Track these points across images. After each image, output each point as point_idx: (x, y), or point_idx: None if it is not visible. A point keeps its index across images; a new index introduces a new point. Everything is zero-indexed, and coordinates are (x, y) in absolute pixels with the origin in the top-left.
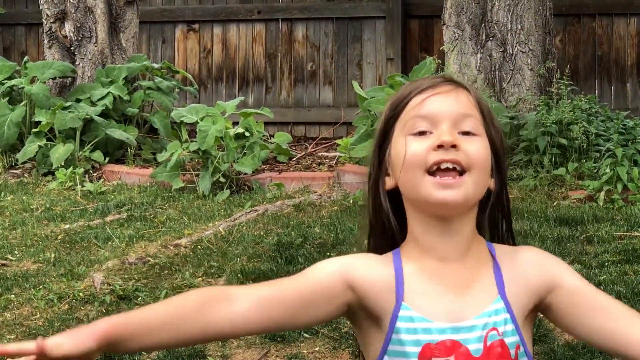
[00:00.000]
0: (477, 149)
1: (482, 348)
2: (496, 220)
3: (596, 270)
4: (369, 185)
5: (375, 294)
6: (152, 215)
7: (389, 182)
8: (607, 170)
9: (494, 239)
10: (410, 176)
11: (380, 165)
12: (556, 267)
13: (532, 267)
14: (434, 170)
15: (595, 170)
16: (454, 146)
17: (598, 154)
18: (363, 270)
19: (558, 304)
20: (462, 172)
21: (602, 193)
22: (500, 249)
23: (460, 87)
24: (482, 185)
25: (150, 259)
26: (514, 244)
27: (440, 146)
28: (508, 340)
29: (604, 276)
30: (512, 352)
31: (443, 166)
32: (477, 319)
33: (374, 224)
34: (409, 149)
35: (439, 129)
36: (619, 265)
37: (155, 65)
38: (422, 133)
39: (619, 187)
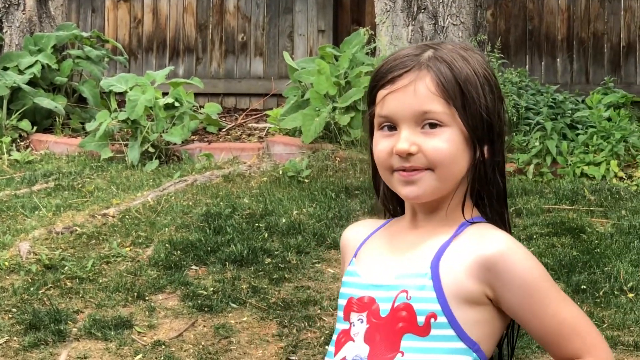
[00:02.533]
0: (437, 147)
1: (390, 309)
2: (493, 187)
3: (525, 242)
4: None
5: (346, 252)
6: (80, 185)
7: None
8: (537, 143)
9: (487, 209)
10: (382, 174)
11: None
12: (504, 279)
13: (478, 264)
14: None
15: (524, 144)
16: (410, 154)
17: (528, 128)
18: (344, 239)
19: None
20: (426, 169)
21: (532, 166)
22: (474, 227)
23: (424, 70)
24: (451, 177)
25: (77, 228)
26: (507, 217)
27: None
28: (418, 306)
29: (532, 248)
30: (421, 319)
31: (406, 170)
32: (397, 279)
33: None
34: (375, 149)
35: (400, 130)
36: (547, 237)
37: (85, 34)
38: (390, 128)
39: (548, 160)
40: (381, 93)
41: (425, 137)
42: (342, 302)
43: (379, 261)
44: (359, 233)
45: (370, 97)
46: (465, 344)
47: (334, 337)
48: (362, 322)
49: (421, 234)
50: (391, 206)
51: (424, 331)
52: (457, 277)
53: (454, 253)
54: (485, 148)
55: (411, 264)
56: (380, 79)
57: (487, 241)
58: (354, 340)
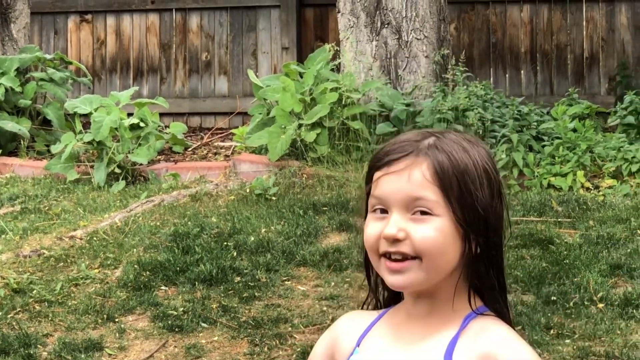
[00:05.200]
0: (425, 235)
1: None
2: (487, 283)
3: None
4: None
5: (343, 339)
6: (46, 208)
7: None
8: (503, 155)
9: (486, 300)
10: (371, 256)
11: None
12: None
13: (482, 349)
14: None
15: None
16: (397, 239)
17: (494, 140)
18: (340, 326)
19: None
20: (414, 257)
21: None
22: (480, 320)
23: (421, 157)
24: (440, 268)
25: (45, 251)
26: (507, 309)
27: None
28: None
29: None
30: None
31: (392, 256)
32: None
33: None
34: (365, 231)
35: (390, 214)
36: (516, 249)
37: (48, 57)
38: (382, 210)
39: (515, 172)
40: (377, 174)
41: (414, 224)
42: None
43: (386, 352)
44: (359, 322)
45: (368, 176)
46: None
47: None
48: None
49: (427, 326)
50: (383, 294)
51: None
52: None
53: (463, 350)
54: (480, 242)
55: (424, 356)
56: (378, 161)
57: (491, 339)
58: None
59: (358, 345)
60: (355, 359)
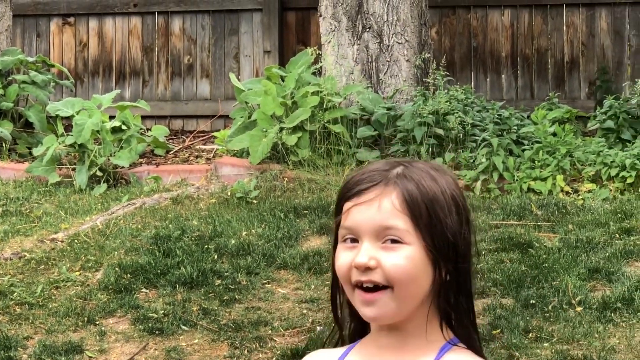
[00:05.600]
0: (396, 263)
1: None
2: (457, 309)
3: (473, 259)
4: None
5: None
6: (28, 210)
7: None
8: (483, 159)
9: (455, 327)
10: (345, 287)
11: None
12: None
13: None
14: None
15: (471, 160)
16: (369, 268)
17: (474, 144)
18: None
19: None
20: (386, 287)
21: (479, 182)
22: (455, 353)
23: (390, 186)
24: (411, 297)
25: (26, 253)
26: (477, 337)
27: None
28: None
29: (481, 264)
30: None
31: (364, 285)
32: None
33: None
34: (337, 261)
35: (361, 243)
36: (496, 253)
37: (30, 59)
38: (352, 240)
39: (495, 176)
40: (347, 205)
41: (385, 252)
42: None
43: None
44: (329, 357)
45: (337, 208)
46: None
47: None
48: None
49: (401, 358)
50: (349, 327)
51: None
52: None
53: None
54: (450, 269)
55: None
56: (347, 191)
57: None
58: None
59: None
60: None
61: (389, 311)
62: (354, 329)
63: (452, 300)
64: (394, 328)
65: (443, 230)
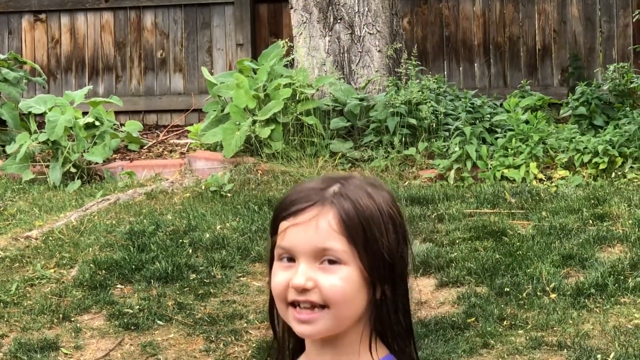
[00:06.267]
0: (333, 284)
1: None
2: (392, 328)
3: (447, 247)
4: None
5: None
6: (1, 208)
7: None
8: (457, 148)
9: (393, 344)
10: (278, 304)
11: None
12: None
13: None
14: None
15: (445, 149)
16: (306, 289)
17: (447, 133)
18: None
19: None
20: (322, 306)
21: (452, 171)
22: None
23: (327, 206)
24: (347, 316)
25: (0, 252)
26: (415, 355)
27: None
28: None
29: (455, 253)
30: None
31: (301, 304)
32: None
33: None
34: (273, 279)
35: (298, 264)
36: (470, 242)
37: (2, 57)
38: (289, 259)
39: (469, 165)
40: (283, 224)
41: (322, 273)
42: None
43: None
44: None
45: (273, 226)
46: None
47: None
48: None
49: None
50: (289, 347)
51: None
52: None
53: None
54: (387, 288)
55: None
56: (283, 210)
57: None
58: None
59: None
60: None
61: (323, 329)
62: (294, 346)
63: (388, 318)
64: (327, 344)
65: (379, 250)
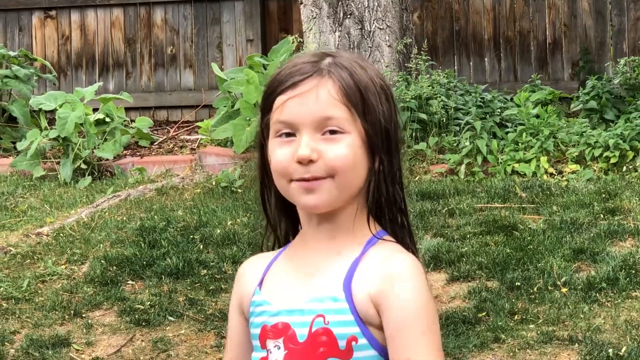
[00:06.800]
0: (338, 153)
1: (307, 334)
2: (388, 201)
3: (458, 242)
4: (258, 189)
5: (244, 286)
6: (13, 205)
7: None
8: (467, 143)
9: (386, 221)
10: (279, 182)
11: (264, 157)
12: (389, 301)
13: (379, 280)
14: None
15: (455, 144)
16: (311, 160)
17: (458, 128)
18: (241, 275)
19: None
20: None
21: (463, 166)
22: (381, 246)
23: (325, 76)
24: (351, 185)
25: (11, 248)
26: (409, 229)
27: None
28: (337, 330)
29: (466, 248)
30: (342, 343)
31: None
32: (309, 303)
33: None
34: (273, 157)
35: (300, 136)
36: (480, 236)
37: (12, 54)
38: (288, 134)
39: (479, 159)
40: (280, 98)
41: (325, 144)
42: (255, 331)
43: (287, 285)
44: (259, 264)
45: (266, 105)
46: None
47: None
48: (279, 348)
49: (327, 252)
50: (281, 230)
51: (346, 354)
52: (365, 302)
53: (363, 275)
54: (384, 157)
55: (322, 286)
56: (279, 85)
57: (392, 265)
58: None
59: (260, 285)
60: (256, 299)
61: (329, 198)
62: (286, 231)
63: (386, 189)
64: (325, 219)
65: (377, 117)
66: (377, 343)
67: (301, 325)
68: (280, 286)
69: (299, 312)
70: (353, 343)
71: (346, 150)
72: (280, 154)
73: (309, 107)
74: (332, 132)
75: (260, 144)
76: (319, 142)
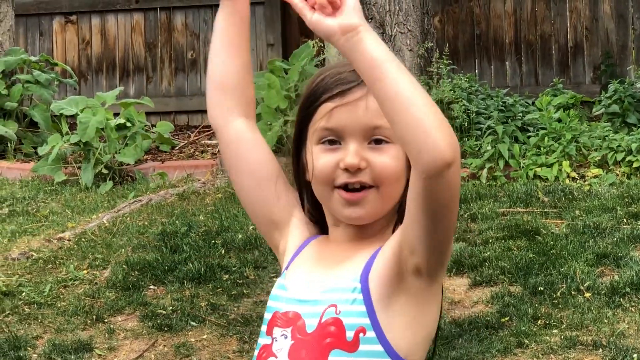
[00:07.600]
0: (385, 163)
1: (317, 324)
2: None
3: (480, 247)
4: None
5: (284, 255)
6: (34, 210)
7: (308, 176)
8: (489, 147)
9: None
10: (320, 189)
11: (299, 162)
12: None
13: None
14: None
15: (477, 148)
16: (359, 168)
17: (479, 132)
18: (295, 231)
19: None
20: (371, 187)
21: (485, 170)
22: None
23: None
24: (394, 197)
25: (33, 253)
26: None
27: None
28: (348, 320)
29: (489, 252)
30: (350, 334)
31: (350, 186)
32: (324, 294)
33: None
34: (317, 162)
35: (347, 145)
36: (503, 241)
37: (33, 59)
38: (331, 142)
39: (501, 164)
40: (327, 105)
41: (372, 153)
42: (267, 315)
43: (305, 275)
44: (294, 242)
45: (309, 111)
46: None
47: (255, 352)
48: (286, 337)
49: (351, 249)
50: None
51: (352, 346)
52: (381, 285)
53: (379, 264)
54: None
55: (340, 278)
56: (325, 92)
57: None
58: (276, 357)
59: (287, 268)
60: (280, 282)
61: (374, 209)
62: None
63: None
64: (359, 231)
65: None
66: (385, 339)
67: (312, 316)
68: (300, 275)
69: (312, 303)
70: (361, 335)
71: (392, 161)
72: (324, 160)
73: (357, 116)
74: (377, 141)
75: (297, 147)
76: (366, 150)
